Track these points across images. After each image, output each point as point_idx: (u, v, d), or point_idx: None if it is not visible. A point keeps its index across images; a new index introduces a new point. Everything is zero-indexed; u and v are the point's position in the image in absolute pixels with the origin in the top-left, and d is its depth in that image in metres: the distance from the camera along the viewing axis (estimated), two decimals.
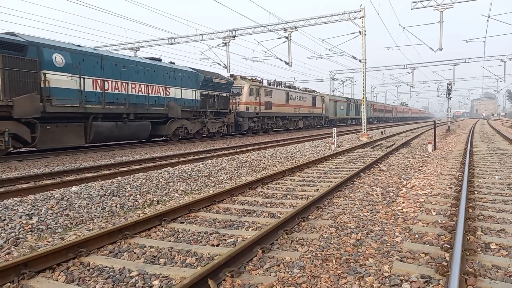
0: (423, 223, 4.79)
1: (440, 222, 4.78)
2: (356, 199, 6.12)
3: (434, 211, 5.29)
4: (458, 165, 9.86)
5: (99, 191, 6.45)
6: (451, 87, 27.81)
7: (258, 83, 26.94)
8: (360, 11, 21.75)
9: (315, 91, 38.54)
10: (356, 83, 59.96)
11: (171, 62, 19.38)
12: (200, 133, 20.91)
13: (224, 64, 28.59)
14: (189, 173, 8.49)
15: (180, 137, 19.24)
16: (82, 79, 13.40)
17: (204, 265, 3.41)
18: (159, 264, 3.61)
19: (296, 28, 24.95)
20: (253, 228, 4.73)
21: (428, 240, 4.13)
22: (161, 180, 7.66)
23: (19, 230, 4.66)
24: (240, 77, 26.51)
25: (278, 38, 25.99)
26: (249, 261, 3.60)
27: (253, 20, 25.34)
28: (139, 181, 7.37)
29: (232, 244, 4.13)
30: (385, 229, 4.53)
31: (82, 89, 13.43)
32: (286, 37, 25.45)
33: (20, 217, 5.01)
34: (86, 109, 13.67)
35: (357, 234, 4.34)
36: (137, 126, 16.18)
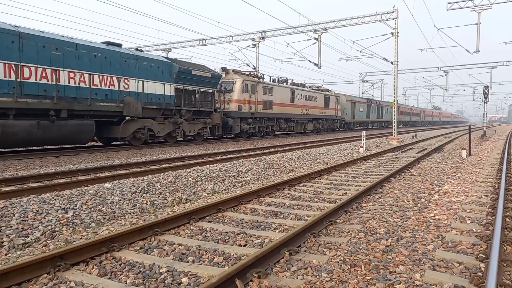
0: (456, 231, 4.62)
1: (475, 230, 4.61)
2: (385, 204, 5.99)
3: (469, 219, 5.10)
4: (494, 172, 9.46)
5: (130, 188, 6.62)
6: (488, 90, 26.74)
7: (255, 79, 23.39)
8: (393, 12, 21.32)
9: (329, 90, 35.28)
10: (387, 85, 58.53)
11: (136, 49, 16.40)
12: (173, 136, 17.32)
13: (253, 65, 28.76)
14: (217, 172, 8.58)
15: (144, 141, 15.84)
16: None
17: (232, 265, 3.44)
18: (188, 262, 3.67)
19: (326, 29, 24.76)
20: (280, 230, 4.72)
21: (462, 249, 3.99)
22: (189, 179, 7.78)
23: (55, 224, 4.86)
24: (233, 70, 23.10)
25: (308, 40, 25.90)
26: (276, 263, 3.59)
27: (283, 21, 25.17)
28: (169, 179, 7.51)
29: (259, 245, 4.14)
30: (417, 236, 4.41)
31: None
32: (316, 39, 25.30)
33: (57, 211, 5.22)
34: None
35: (386, 240, 4.25)
36: (72, 127, 12.53)
